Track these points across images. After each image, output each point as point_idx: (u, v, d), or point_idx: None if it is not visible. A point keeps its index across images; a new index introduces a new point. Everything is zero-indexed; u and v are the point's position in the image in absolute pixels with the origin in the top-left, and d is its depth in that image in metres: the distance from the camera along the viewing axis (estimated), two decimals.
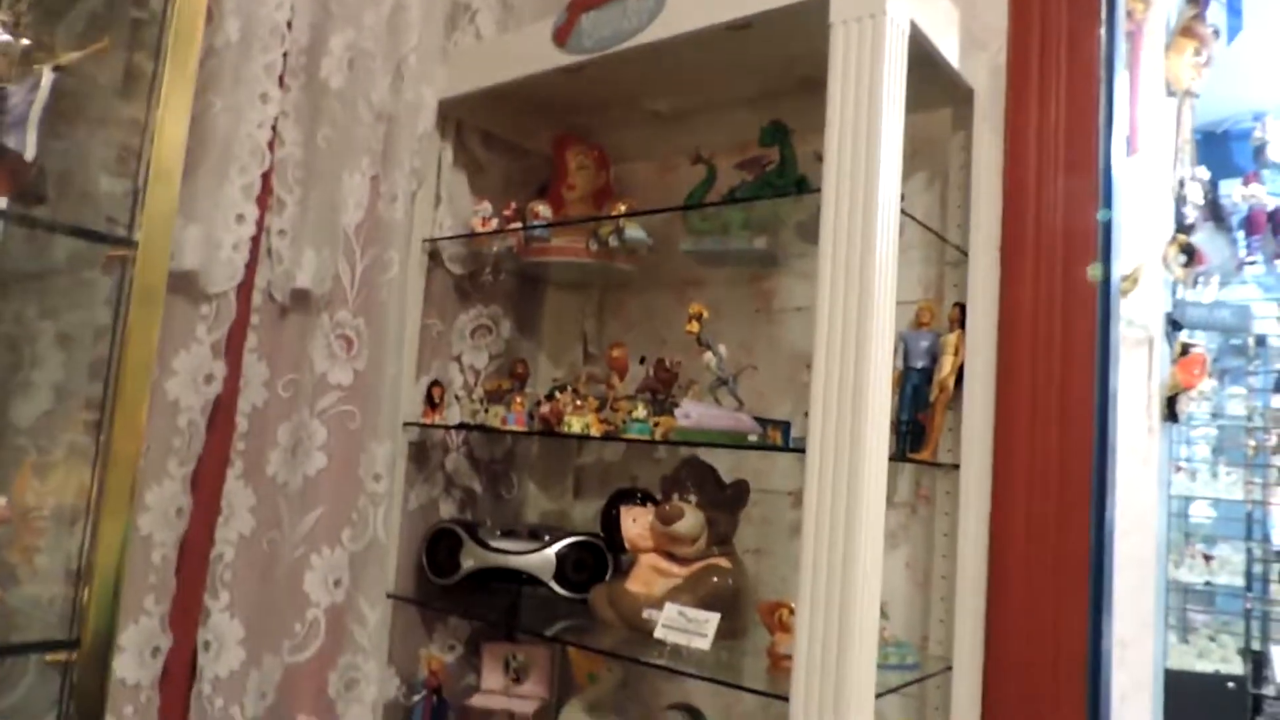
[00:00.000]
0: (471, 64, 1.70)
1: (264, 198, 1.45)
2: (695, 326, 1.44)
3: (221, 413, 1.41)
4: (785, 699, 1.15)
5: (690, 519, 1.44)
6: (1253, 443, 3.40)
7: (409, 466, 1.69)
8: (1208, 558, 3.21)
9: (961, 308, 1.46)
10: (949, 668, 1.41)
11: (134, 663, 1.31)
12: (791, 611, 1.27)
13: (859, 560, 1.13)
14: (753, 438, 1.38)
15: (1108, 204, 1.50)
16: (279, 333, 1.48)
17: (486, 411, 1.63)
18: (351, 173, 1.56)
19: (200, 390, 1.38)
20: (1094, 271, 1.45)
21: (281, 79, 1.48)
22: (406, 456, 1.68)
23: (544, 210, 1.64)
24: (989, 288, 1.46)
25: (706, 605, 1.37)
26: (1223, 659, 3.20)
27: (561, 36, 1.53)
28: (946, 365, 1.44)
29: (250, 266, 1.43)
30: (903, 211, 1.24)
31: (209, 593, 1.39)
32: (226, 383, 1.41)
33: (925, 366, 1.49)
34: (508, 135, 1.86)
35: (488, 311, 1.85)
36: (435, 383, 1.67)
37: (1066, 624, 1.39)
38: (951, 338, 1.45)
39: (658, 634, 1.35)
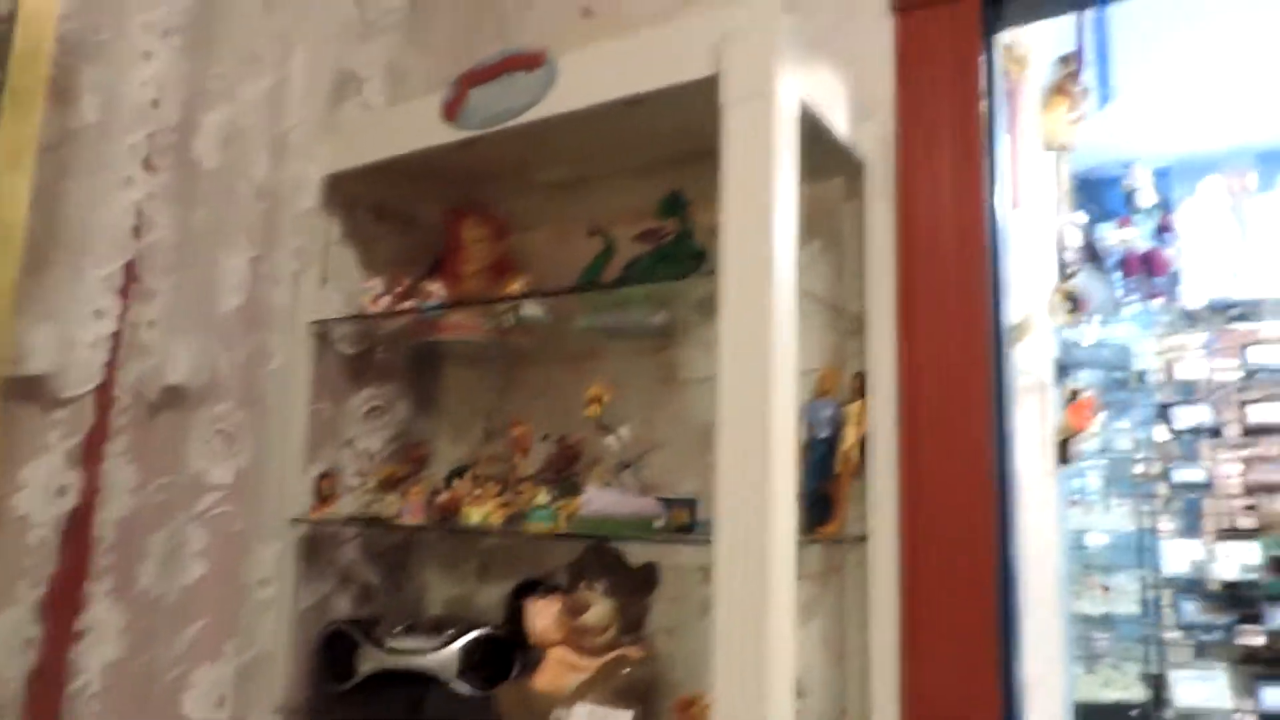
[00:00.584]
0: (359, 137, 1.64)
1: (129, 288, 1.35)
2: (595, 410, 1.40)
3: (79, 526, 1.29)
4: None
5: (598, 609, 1.39)
6: (1140, 471, 3.55)
7: (299, 565, 1.58)
8: (1105, 588, 3.32)
9: (862, 377, 1.46)
10: None
11: None
12: (706, 707, 1.22)
13: (772, 644, 1.09)
14: (658, 523, 1.34)
15: (996, 261, 1.54)
16: (150, 433, 1.36)
17: (381, 502, 1.55)
18: (229, 255, 1.47)
19: (53, 503, 1.26)
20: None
21: (149, 160, 1.38)
22: (296, 555, 1.57)
23: (436, 289, 1.58)
24: (888, 355, 1.46)
25: (619, 698, 1.32)
26: (1125, 687, 3.30)
27: (451, 112, 1.48)
28: (850, 436, 1.44)
29: (112, 364, 1.32)
30: (800, 288, 1.23)
31: None
32: (84, 493, 1.29)
33: (829, 436, 1.48)
34: (399, 208, 1.80)
35: (382, 391, 1.77)
36: (325, 474, 1.58)
37: (980, 682, 1.39)
38: (854, 407, 1.45)
39: None
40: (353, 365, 1.72)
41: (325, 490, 1.56)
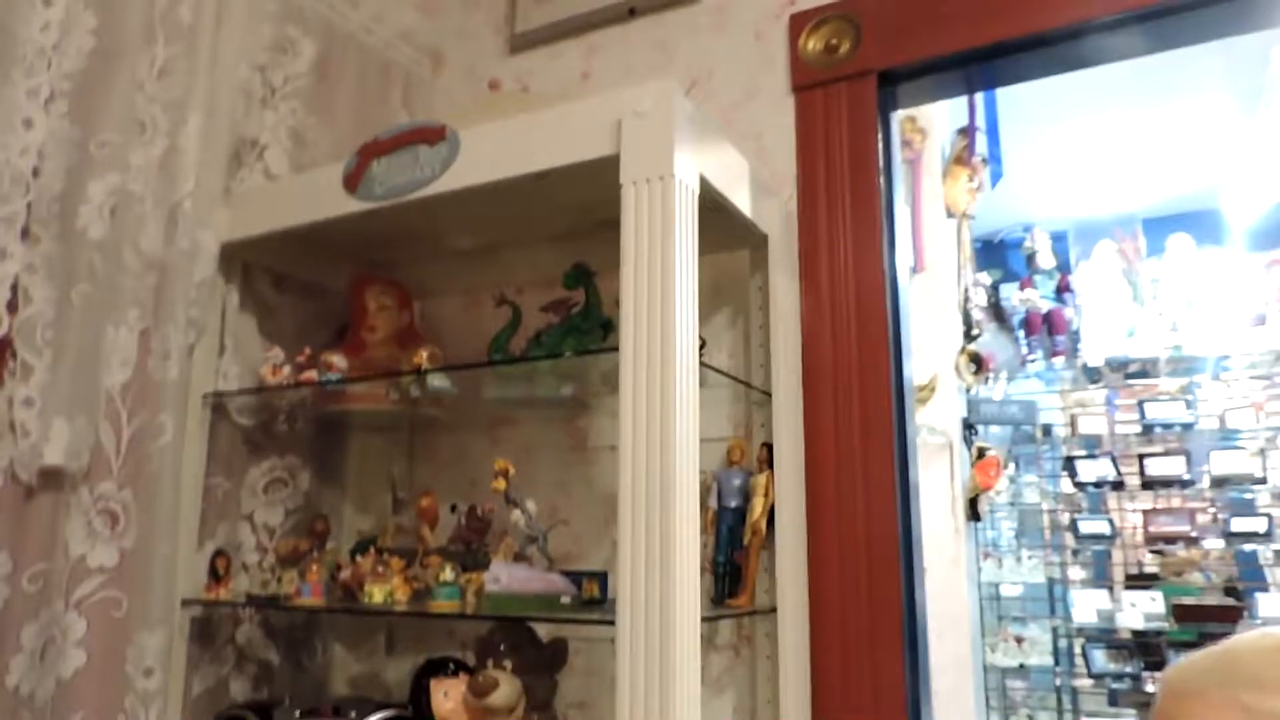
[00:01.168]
0: (259, 206, 1.61)
1: (2, 366, 1.28)
2: (502, 484, 1.37)
3: None
4: None
5: (505, 689, 1.35)
6: (1048, 524, 3.65)
7: (191, 648, 1.50)
8: (1019, 640, 3.38)
9: (769, 448, 1.47)
10: None
11: None
12: None
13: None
14: (565, 599, 1.32)
15: (898, 326, 1.58)
16: (24, 517, 1.29)
17: (279, 581, 1.49)
18: (116, 329, 1.41)
19: None
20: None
21: (27, 230, 1.33)
22: (187, 637, 1.49)
23: (339, 361, 1.54)
24: (793, 426, 1.48)
25: None
26: None
27: (352, 183, 1.46)
28: (758, 507, 1.44)
29: None
30: (702, 363, 1.24)
31: None
32: None
33: (739, 505, 1.48)
34: (302, 276, 1.76)
35: (283, 463, 1.71)
36: (220, 552, 1.51)
37: None
38: (761, 478, 1.45)
39: None
40: (251, 437, 1.66)
41: (220, 569, 1.49)
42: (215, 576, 1.50)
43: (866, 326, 1.54)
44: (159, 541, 1.43)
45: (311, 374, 1.55)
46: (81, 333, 1.36)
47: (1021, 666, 3.36)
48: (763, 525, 1.43)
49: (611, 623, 1.14)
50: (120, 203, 1.42)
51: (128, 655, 1.38)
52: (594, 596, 1.38)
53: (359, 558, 1.47)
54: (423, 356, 1.50)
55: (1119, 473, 3.37)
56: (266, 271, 1.70)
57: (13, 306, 1.30)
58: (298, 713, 1.51)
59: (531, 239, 1.65)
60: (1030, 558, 3.44)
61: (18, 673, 1.25)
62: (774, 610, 1.41)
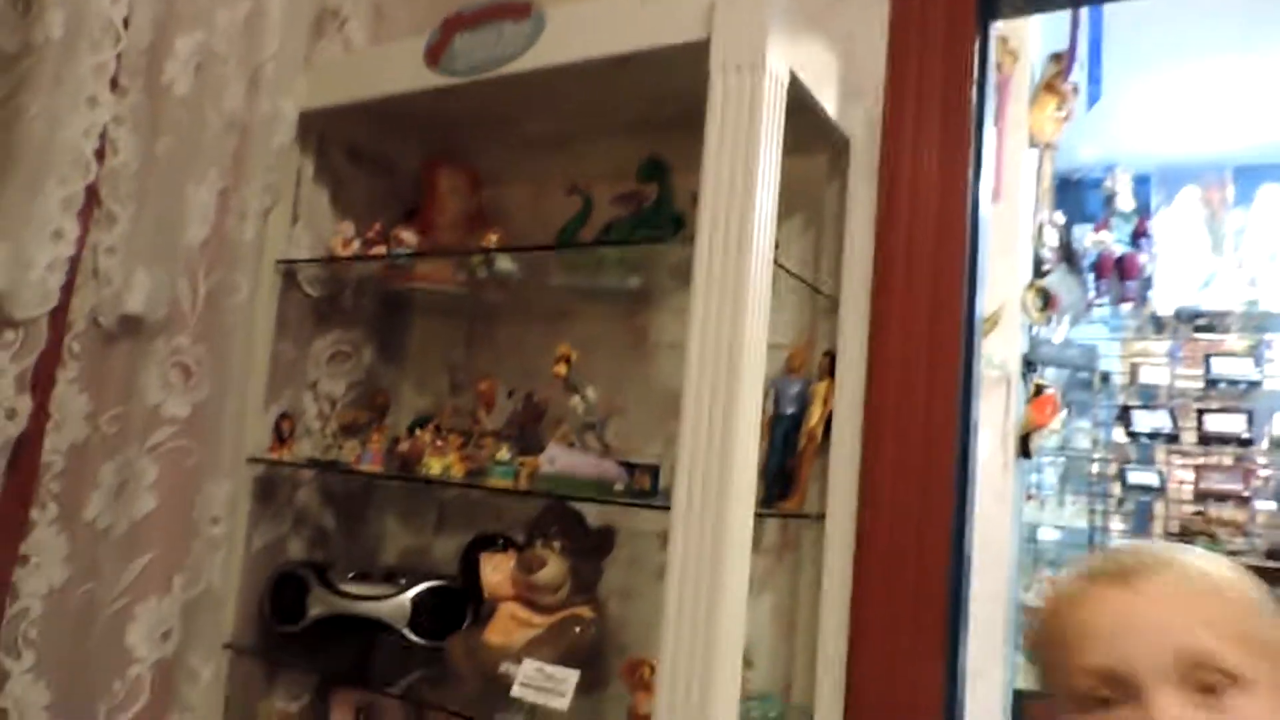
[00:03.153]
0: (338, 76, 1.60)
1: (89, 212, 1.31)
2: (563, 369, 1.38)
3: (26, 452, 1.26)
4: None
5: (553, 568, 1.39)
6: (1095, 471, 3.61)
7: (253, 504, 1.56)
8: (1054, 582, 3.37)
9: (831, 356, 1.46)
10: (810, 716, 1.40)
11: None
12: (653, 670, 1.23)
13: (723, 614, 1.10)
14: (618, 486, 1.34)
15: (974, 252, 1.54)
16: (104, 362, 1.33)
17: (341, 447, 1.53)
18: (196, 186, 1.43)
19: (0, 428, 1.22)
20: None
21: (116, 81, 1.34)
22: (251, 494, 1.55)
23: (409, 237, 1.55)
24: (859, 336, 1.46)
25: (567, 657, 1.32)
26: None
27: (434, 56, 1.45)
28: (815, 414, 1.44)
29: (68, 288, 1.28)
30: (776, 263, 1.22)
31: (7, 653, 1.23)
32: (33, 418, 1.26)
33: (795, 413, 1.48)
34: (375, 151, 1.76)
35: (348, 336, 1.74)
36: (285, 415, 1.56)
37: (925, 668, 1.41)
38: (821, 386, 1.45)
39: (515, 692, 1.29)
40: (318, 308, 1.69)
41: (285, 431, 1.53)
42: (280, 438, 1.54)
43: (943, 245, 1.50)
44: (229, 398, 1.47)
45: (381, 248, 1.56)
46: (164, 187, 1.38)
47: None
48: (819, 433, 1.43)
49: (666, 508, 1.15)
50: (205, 61, 1.42)
51: (196, 503, 1.44)
52: (645, 488, 1.39)
53: (419, 431, 1.50)
54: (491, 238, 1.50)
55: (1175, 426, 3.30)
56: (341, 145, 1.71)
57: (101, 155, 1.32)
58: (351, 574, 1.57)
59: (606, 129, 1.63)
60: (1073, 503, 3.41)
61: (95, 507, 1.31)
62: (823, 516, 1.42)
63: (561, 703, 1.25)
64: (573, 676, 1.27)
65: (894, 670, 1.41)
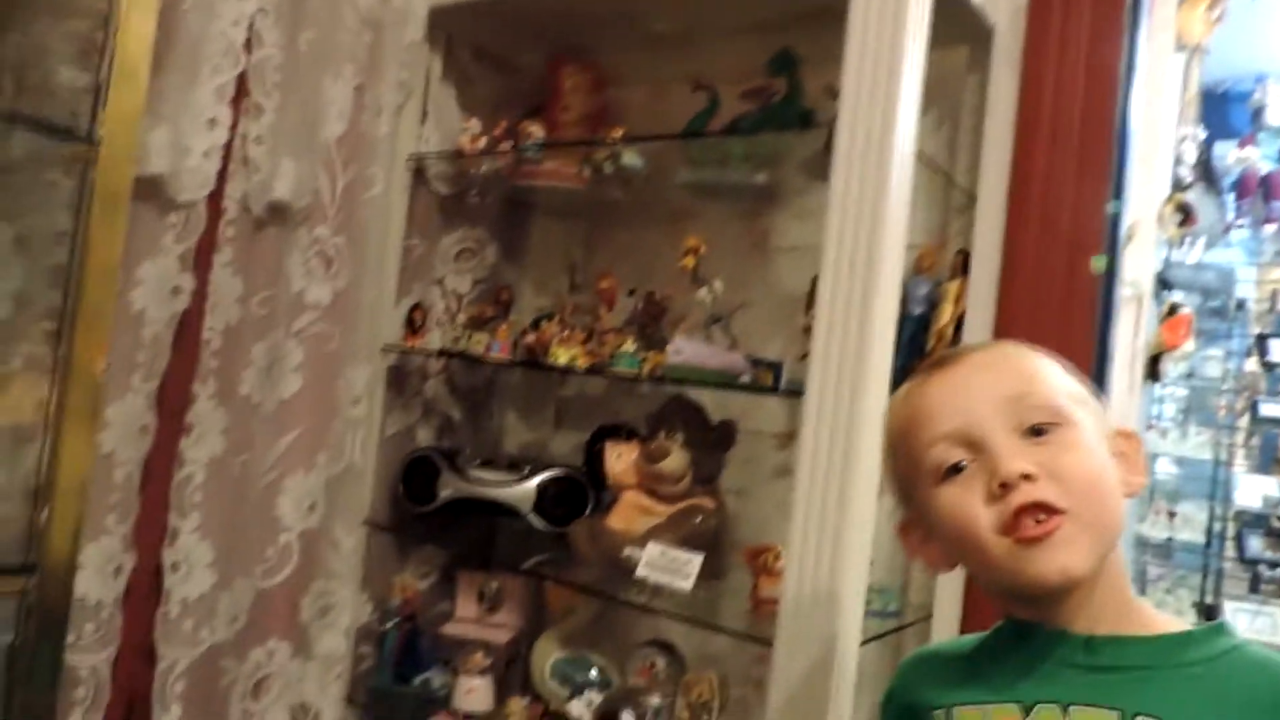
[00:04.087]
0: None
1: (239, 102, 1.36)
2: (691, 261, 1.39)
3: (188, 328, 1.35)
4: (769, 643, 1.13)
5: (676, 458, 1.41)
6: (1223, 404, 3.44)
7: (387, 392, 1.64)
8: (1171, 514, 3.26)
9: (965, 255, 1.42)
10: (928, 616, 1.40)
11: (96, 581, 1.27)
12: (778, 556, 1.25)
13: (854, 508, 1.11)
14: (744, 378, 1.34)
15: (1122, 153, 1.47)
16: (254, 247, 1.40)
17: (469, 338, 1.58)
18: (334, 80, 1.47)
19: (167, 303, 1.31)
20: (1098, 263, 1.41)
21: None
22: (385, 381, 1.62)
23: (536, 130, 1.57)
24: (994, 235, 1.41)
25: (688, 544, 1.35)
26: (1177, 611, 3.28)
27: None
28: (946, 314, 1.41)
29: (222, 175, 1.35)
30: (917, 157, 1.19)
31: (176, 513, 1.34)
32: (194, 297, 1.34)
33: (923, 314, 1.45)
34: (500, 50, 1.77)
35: (473, 234, 1.78)
36: (417, 306, 1.61)
37: None
38: (952, 285, 1.41)
39: (639, 572, 1.33)
40: (446, 206, 1.73)
41: (417, 321, 1.59)
42: (412, 328, 1.60)
43: (1089, 146, 1.42)
44: (365, 287, 1.53)
45: (507, 145, 1.58)
46: (305, 80, 1.42)
47: (1169, 540, 3.26)
48: (949, 333, 1.40)
49: (798, 394, 1.15)
50: None
51: (337, 386, 1.51)
52: (768, 384, 1.40)
53: (544, 323, 1.54)
54: (617, 133, 1.50)
55: None
56: (468, 44, 1.72)
57: (248, 46, 1.37)
58: (478, 460, 1.64)
59: (731, 26, 1.59)
60: (1197, 434, 3.27)
61: (248, 384, 1.40)
62: None
63: (685, 584, 1.29)
64: (696, 559, 1.30)
65: None
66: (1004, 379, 0.73)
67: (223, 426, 1.37)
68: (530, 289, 1.89)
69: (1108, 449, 0.72)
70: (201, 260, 1.35)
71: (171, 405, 1.34)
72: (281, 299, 1.44)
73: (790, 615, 1.12)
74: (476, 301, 1.76)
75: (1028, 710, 0.67)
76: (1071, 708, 0.66)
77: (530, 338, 1.52)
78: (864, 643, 1.15)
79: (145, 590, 1.34)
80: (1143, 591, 3.38)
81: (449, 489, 1.58)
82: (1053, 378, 0.74)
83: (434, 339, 1.66)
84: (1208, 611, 3.38)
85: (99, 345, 1.03)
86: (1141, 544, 3.34)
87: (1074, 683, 0.67)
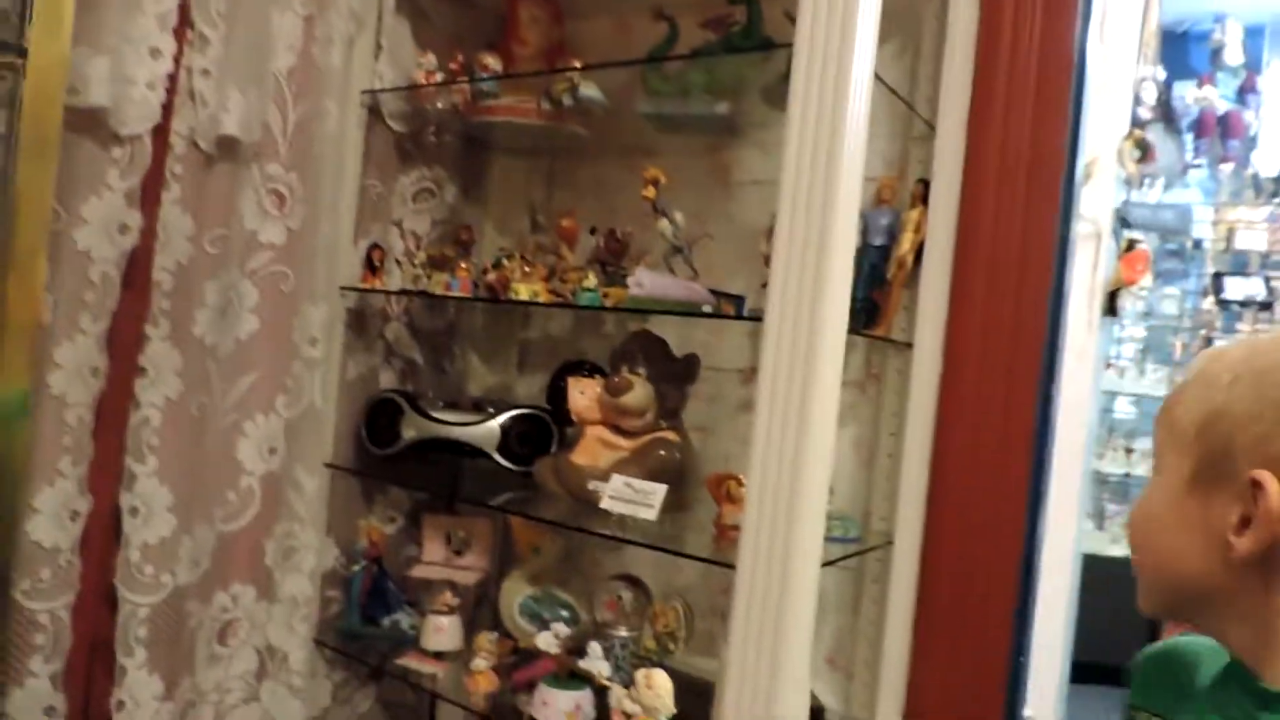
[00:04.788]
0: None
1: (184, 33, 1.31)
2: (651, 191, 1.37)
3: (138, 268, 1.31)
4: (732, 567, 1.15)
5: (639, 392, 1.41)
6: (1180, 342, 3.51)
7: (347, 334, 1.62)
8: (1129, 450, 3.34)
9: (925, 184, 1.42)
10: (889, 542, 1.43)
11: (51, 526, 1.24)
12: (740, 484, 1.26)
13: (812, 433, 1.11)
14: (706, 308, 1.34)
15: (1080, 87, 1.47)
16: (204, 183, 1.36)
17: (429, 278, 1.56)
18: (282, 11, 1.42)
19: (114, 241, 1.27)
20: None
21: None
22: (344, 323, 1.60)
23: (493, 62, 1.53)
24: (954, 163, 1.41)
25: (653, 478, 1.36)
26: None
27: None
28: (906, 242, 1.41)
29: (168, 109, 1.30)
30: (877, 77, 1.18)
31: (133, 456, 1.32)
32: (143, 235, 1.31)
33: (883, 244, 1.46)
34: None
35: (431, 174, 1.75)
36: (375, 245, 1.59)
37: (1006, 502, 1.42)
38: (913, 214, 1.41)
39: (604, 504, 1.34)
40: (402, 145, 1.70)
41: (376, 261, 1.56)
42: (371, 268, 1.58)
43: (1047, 79, 1.42)
44: (321, 226, 1.50)
45: (464, 79, 1.54)
46: (252, 9, 1.38)
47: (1127, 476, 3.34)
48: (909, 260, 1.41)
49: (758, 319, 1.15)
50: None
51: (294, 325, 1.49)
52: (730, 314, 1.39)
53: (505, 261, 1.52)
54: (575, 64, 1.47)
55: (1270, 292, 3.17)
56: None
57: None
58: (441, 403, 1.63)
59: None
60: (1154, 372, 3.34)
61: (202, 324, 1.37)
62: (910, 345, 1.41)
63: (650, 513, 1.30)
64: (661, 489, 1.31)
65: (975, 506, 1.42)
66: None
67: (177, 368, 1.35)
68: (491, 229, 1.87)
69: None
70: (149, 198, 1.31)
71: (123, 347, 1.31)
72: (234, 238, 1.40)
73: (752, 539, 1.13)
74: (436, 243, 1.73)
75: None
76: None
77: (491, 276, 1.50)
78: (824, 565, 1.17)
79: (104, 535, 1.32)
80: (1100, 526, 3.47)
81: (412, 430, 1.57)
82: (1184, 408, 0.66)
83: (394, 280, 1.64)
84: None
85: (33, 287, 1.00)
86: (1099, 480, 3.42)
87: None
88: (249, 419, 1.46)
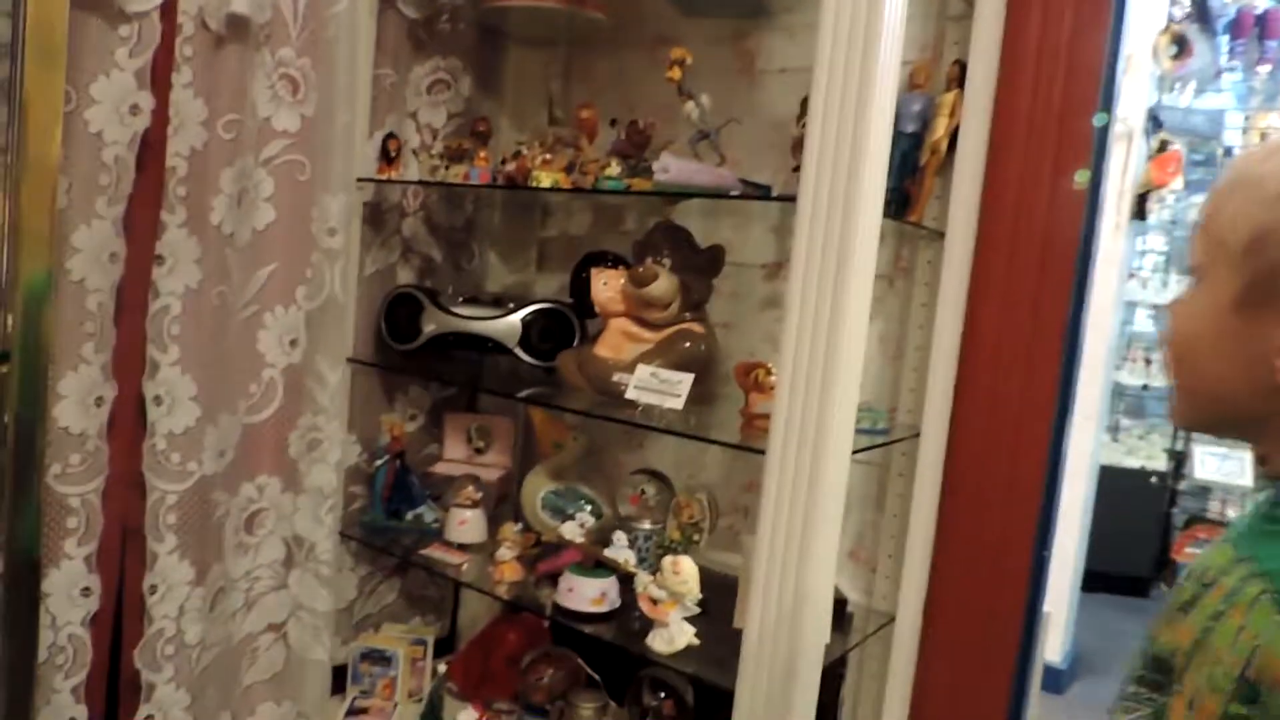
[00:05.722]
0: None
1: None
2: (677, 73, 1.32)
3: (152, 153, 1.28)
4: (762, 452, 1.14)
5: (664, 282, 1.39)
6: None
7: (364, 229, 1.59)
8: (1148, 360, 3.32)
9: (962, 66, 1.36)
10: (916, 434, 1.42)
11: (77, 411, 1.24)
12: (769, 371, 1.25)
13: (846, 317, 1.09)
14: (734, 193, 1.30)
15: None
16: (215, 66, 1.32)
17: (447, 169, 1.52)
18: None
19: (125, 122, 1.24)
20: (1081, 177, 1.36)
21: None
22: (361, 217, 1.57)
23: None
24: (992, 45, 1.36)
25: (678, 369, 1.34)
26: (1148, 456, 3.38)
27: None
28: (940, 127, 1.36)
29: None
30: None
31: (155, 345, 1.31)
32: (156, 118, 1.27)
33: (915, 131, 1.41)
34: None
35: (445, 65, 1.70)
36: (391, 135, 1.54)
37: (1033, 400, 1.40)
38: (948, 97, 1.36)
39: (629, 394, 1.33)
40: (415, 33, 1.64)
41: (392, 151, 1.53)
42: (387, 159, 1.54)
43: None
44: (337, 113, 1.46)
45: None
46: None
47: (1145, 387, 3.32)
48: (943, 146, 1.36)
49: (791, 199, 1.12)
50: None
51: (312, 216, 1.46)
52: (759, 196, 1.36)
53: (524, 151, 1.48)
54: None
55: None
56: None
57: None
58: (460, 298, 1.61)
59: None
60: (1178, 282, 3.29)
61: (219, 212, 1.34)
62: (941, 235, 1.38)
63: (677, 403, 1.29)
64: (687, 378, 1.30)
65: (1003, 400, 1.41)
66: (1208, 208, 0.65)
67: (196, 256, 1.32)
68: (507, 124, 1.82)
69: None
70: (160, 80, 1.27)
71: (141, 233, 1.29)
72: (248, 124, 1.36)
73: (783, 425, 1.12)
74: (453, 135, 1.69)
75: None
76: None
77: (510, 165, 1.46)
78: (855, 453, 1.16)
79: (130, 423, 1.32)
80: (1115, 438, 3.47)
81: (432, 325, 1.56)
82: (1231, 213, 0.62)
83: (411, 172, 1.60)
84: (1176, 457, 3.48)
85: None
86: (1116, 392, 3.41)
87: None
88: (269, 310, 1.44)
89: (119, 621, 1.36)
